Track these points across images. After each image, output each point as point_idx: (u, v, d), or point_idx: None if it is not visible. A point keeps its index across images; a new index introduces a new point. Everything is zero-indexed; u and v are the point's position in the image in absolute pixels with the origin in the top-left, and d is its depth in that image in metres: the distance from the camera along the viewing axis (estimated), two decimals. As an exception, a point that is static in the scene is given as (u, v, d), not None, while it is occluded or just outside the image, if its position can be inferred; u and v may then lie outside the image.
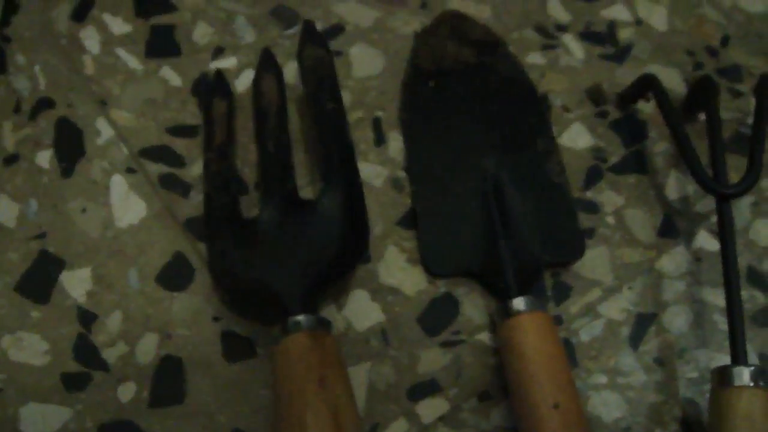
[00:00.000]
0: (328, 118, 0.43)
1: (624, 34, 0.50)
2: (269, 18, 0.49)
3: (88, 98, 0.46)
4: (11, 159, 0.44)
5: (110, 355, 0.40)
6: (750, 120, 0.46)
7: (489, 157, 0.45)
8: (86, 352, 0.40)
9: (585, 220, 0.45)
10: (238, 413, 0.40)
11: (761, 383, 0.37)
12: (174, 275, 0.42)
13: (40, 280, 0.42)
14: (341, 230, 0.41)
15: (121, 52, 0.47)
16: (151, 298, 0.42)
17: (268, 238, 0.41)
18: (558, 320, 0.42)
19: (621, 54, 0.50)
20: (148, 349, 0.41)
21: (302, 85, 0.45)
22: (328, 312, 0.42)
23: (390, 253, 0.43)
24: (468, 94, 0.47)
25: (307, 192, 0.44)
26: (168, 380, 0.40)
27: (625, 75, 0.49)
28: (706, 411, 0.40)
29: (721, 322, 0.43)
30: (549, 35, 0.50)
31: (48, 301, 0.41)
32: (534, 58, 0.49)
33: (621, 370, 0.42)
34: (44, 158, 0.44)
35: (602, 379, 0.41)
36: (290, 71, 0.47)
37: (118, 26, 0.48)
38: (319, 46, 0.45)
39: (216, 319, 0.41)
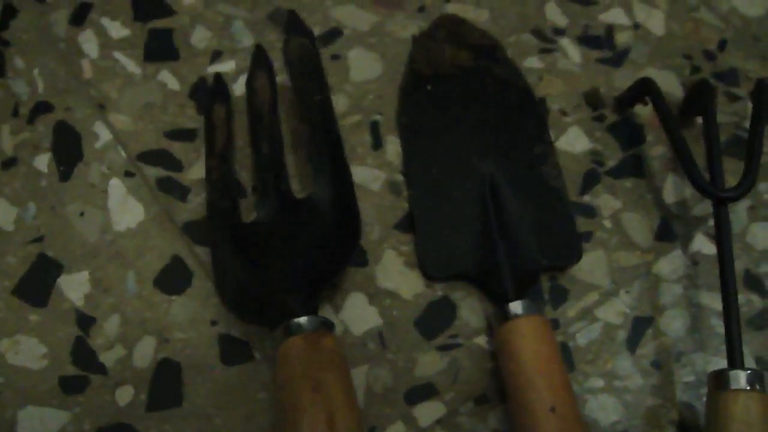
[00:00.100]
0: (315, 110, 0.43)
1: (621, 38, 0.50)
2: (267, 22, 0.49)
3: (87, 102, 0.46)
4: (9, 162, 0.44)
5: (108, 358, 0.40)
6: (747, 123, 0.46)
7: (486, 160, 0.45)
8: (84, 355, 0.41)
9: (582, 223, 0.45)
10: (236, 417, 0.40)
11: (758, 387, 0.37)
12: (172, 279, 0.42)
13: (38, 283, 0.42)
14: (332, 224, 0.41)
15: (120, 56, 0.48)
16: (148, 301, 0.42)
17: (266, 241, 0.41)
18: (555, 324, 0.42)
19: (618, 58, 0.50)
20: (145, 352, 0.41)
21: (288, 77, 0.45)
22: (326, 315, 0.42)
23: (387, 256, 0.43)
24: (465, 98, 0.47)
25: (305, 189, 0.44)
26: (166, 384, 0.40)
27: (623, 79, 0.49)
28: (702, 414, 0.40)
29: (718, 326, 0.43)
30: (546, 39, 0.50)
31: (46, 304, 0.41)
32: (531, 62, 0.49)
33: (618, 373, 0.42)
34: (42, 162, 0.45)
35: (599, 383, 0.41)
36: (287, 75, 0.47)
37: (117, 30, 0.48)
38: (304, 37, 0.45)
39: (213, 322, 0.41)
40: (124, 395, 0.40)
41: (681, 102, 0.48)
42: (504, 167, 0.45)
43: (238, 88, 0.47)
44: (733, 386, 0.37)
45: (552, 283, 0.43)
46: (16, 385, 0.40)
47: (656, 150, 0.47)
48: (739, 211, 0.46)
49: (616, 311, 0.43)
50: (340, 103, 0.47)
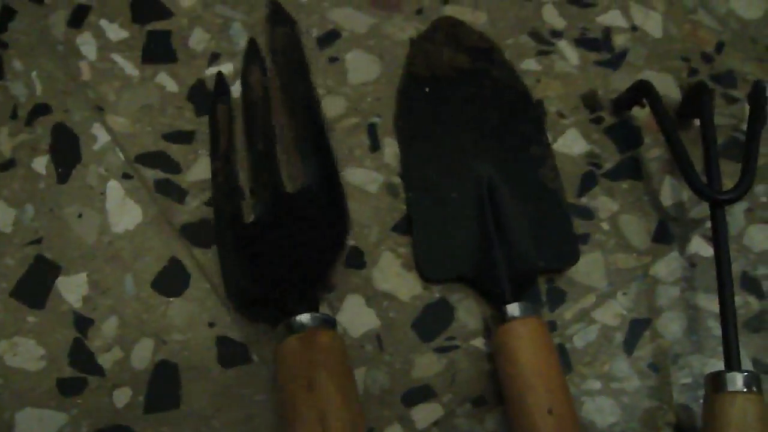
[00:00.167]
0: (299, 99, 0.43)
1: (619, 40, 0.51)
2: (265, 24, 0.49)
3: (85, 104, 0.46)
4: (8, 164, 0.44)
5: (106, 360, 0.41)
6: (744, 126, 0.46)
7: (484, 162, 0.45)
8: (82, 357, 0.41)
9: (579, 225, 0.45)
10: (233, 419, 0.40)
11: (754, 389, 0.37)
12: (169, 281, 0.42)
13: (35, 285, 0.42)
14: (321, 214, 0.41)
15: (118, 58, 0.48)
16: (146, 303, 0.42)
17: (264, 240, 0.41)
18: (552, 326, 0.42)
19: (616, 60, 0.50)
20: (143, 354, 0.41)
21: (273, 66, 0.45)
22: (324, 317, 0.42)
23: (385, 258, 0.43)
24: (463, 100, 0.47)
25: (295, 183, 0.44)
26: (163, 385, 0.40)
27: (620, 81, 0.49)
28: (699, 416, 0.40)
29: (715, 328, 0.43)
30: (544, 41, 0.50)
31: (44, 306, 0.41)
32: (529, 64, 0.49)
33: (615, 375, 0.42)
34: (41, 164, 0.45)
35: (596, 385, 0.41)
36: (286, 77, 0.48)
37: (115, 32, 0.48)
38: (287, 26, 0.45)
39: (211, 324, 0.41)
40: (122, 397, 0.40)
41: (678, 104, 0.48)
42: (501, 169, 0.45)
43: (236, 90, 0.47)
44: (730, 388, 0.37)
45: (549, 285, 0.43)
46: (14, 386, 0.40)
47: (653, 152, 0.47)
48: (736, 213, 0.46)
49: (613, 313, 0.43)
50: (337, 105, 0.47)
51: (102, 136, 0.45)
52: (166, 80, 0.47)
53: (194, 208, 0.44)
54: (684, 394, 0.41)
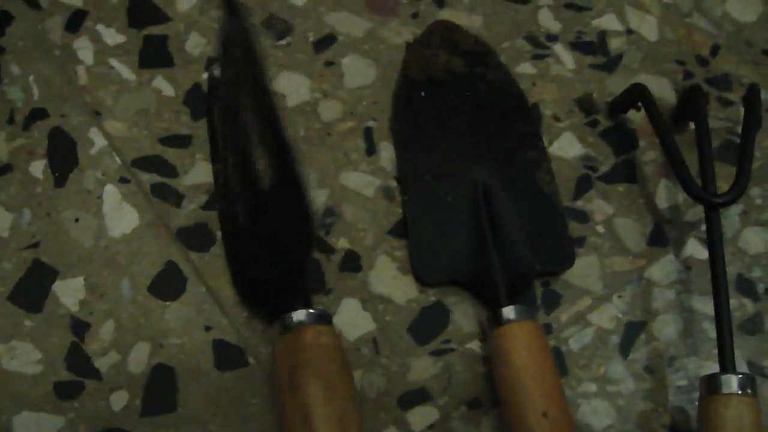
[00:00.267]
0: (252, 91, 0.44)
1: (614, 44, 0.51)
2: (261, 28, 0.49)
3: (82, 108, 0.46)
4: (5, 169, 0.45)
5: (103, 363, 0.41)
6: (739, 129, 0.46)
7: (479, 166, 0.45)
8: (79, 361, 0.41)
9: (575, 228, 0.45)
10: (230, 422, 0.40)
11: (749, 391, 0.37)
12: (166, 284, 0.42)
13: (33, 289, 0.42)
14: (288, 207, 0.42)
15: (115, 63, 0.48)
16: (143, 307, 0.42)
17: (249, 241, 0.42)
18: (548, 329, 0.43)
19: (611, 63, 0.50)
20: (140, 358, 0.41)
21: (224, 59, 0.45)
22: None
23: (381, 262, 0.44)
24: (459, 103, 0.47)
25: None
26: (160, 389, 0.40)
27: (616, 84, 0.49)
28: (695, 419, 0.40)
29: (711, 331, 0.43)
30: (540, 45, 0.50)
31: (41, 310, 0.42)
32: (525, 68, 0.49)
33: (610, 378, 0.42)
34: (38, 168, 0.45)
35: (592, 387, 0.42)
36: (282, 81, 0.48)
37: (112, 37, 0.48)
38: (240, 18, 0.45)
39: (208, 328, 0.42)
40: (119, 400, 0.40)
41: (673, 107, 0.48)
42: (497, 173, 0.45)
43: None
44: (725, 390, 0.38)
45: (545, 288, 0.44)
46: (11, 390, 0.40)
47: (649, 155, 0.47)
48: (731, 215, 0.46)
49: (608, 316, 0.43)
50: (333, 109, 0.47)
51: (99, 141, 0.46)
52: (162, 84, 0.47)
53: (191, 211, 0.44)
54: (679, 397, 0.42)
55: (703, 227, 0.44)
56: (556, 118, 0.48)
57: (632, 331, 0.43)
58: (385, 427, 0.40)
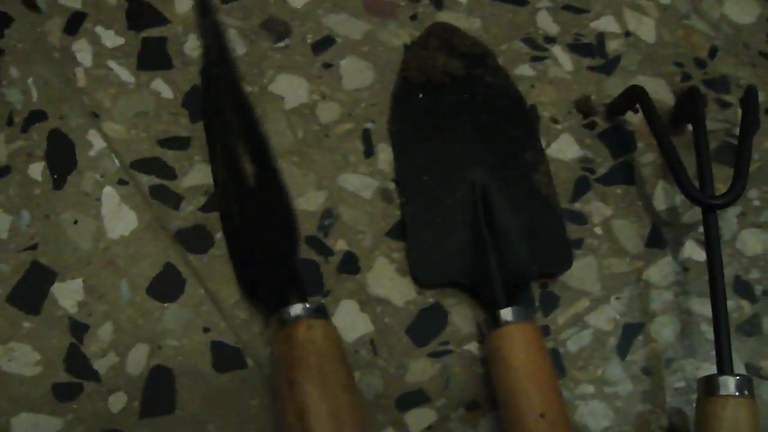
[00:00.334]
0: (226, 92, 0.44)
1: (612, 46, 0.51)
2: (260, 31, 0.49)
3: (81, 110, 0.46)
4: (3, 171, 0.45)
5: (101, 365, 0.41)
6: (737, 130, 0.46)
7: (478, 168, 0.45)
8: (77, 362, 0.41)
9: (573, 230, 0.45)
10: (228, 423, 0.40)
11: (746, 392, 0.38)
12: (164, 286, 0.42)
13: (31, 291, 0.42)
14: (269, 204, 0.43)
15: (113, 65, 0.48)
16: (141, 309, 0.42)
17: (244, 239, 0.43)
18: (546, 330, 0.43)
19: (609, 65, 0.50)
20: (138, 359, 0.41)
21: (202, 59, 0.46)
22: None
23: (379, 263, 0.44)
24: (457, 105, 0.47)
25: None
26: (158, 390, 0.40)
27: (614, 86, 0.49)
28: (692, 420, 0.41)
29: (709, 332, 0.43)
30: (538, 47, 0.50)
31: (39, 312, 0.42)
32: (523, 70, 0.49)
33: (608, 379, 0.42)
34: (36, 170, 0.45)
35: (590, 389, 0.42)
36: (280, 82, 0.48)
37: (111, 39, 0.49)
38: (213, 18, 0.46)
39: (206, 329, 0.42)
40: (117, 402, 0.40)
41: (671, 109, 0.48)
42: (495, 175, 0.45)
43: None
44: (723, 392, 0.38)
45: (543, 289, 0.44)
46: (10, 392, 0.40)
47: (647, 157, 0.47)
48: (729, 217, 0.46)
49: (606, 318, 0.43)
50: (332, 111, 0.47)
51: (97, 143, 0.46)
52: (161, 86, 0.47)
53: (189, 213, 0.44)
54: (677, 398, 0.42)
55: (701, 229, 0.44)
56: (554, 120, 0.48)
57: (630, 333, 0.43)
58: (383, 429, 0.40)
